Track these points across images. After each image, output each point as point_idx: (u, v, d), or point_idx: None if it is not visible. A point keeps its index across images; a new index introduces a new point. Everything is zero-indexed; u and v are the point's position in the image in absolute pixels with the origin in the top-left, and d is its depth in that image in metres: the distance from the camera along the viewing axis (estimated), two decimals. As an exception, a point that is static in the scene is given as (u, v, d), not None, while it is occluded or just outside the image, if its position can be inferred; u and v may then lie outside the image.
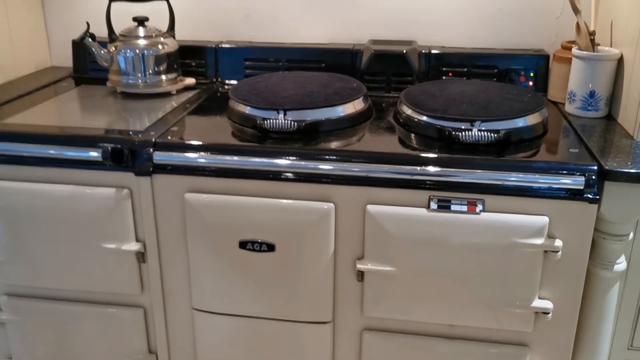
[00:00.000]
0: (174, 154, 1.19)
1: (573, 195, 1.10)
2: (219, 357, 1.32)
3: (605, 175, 1.09)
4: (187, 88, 1.58)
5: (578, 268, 1.15)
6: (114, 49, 1.49)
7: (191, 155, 1.19)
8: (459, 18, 1.62)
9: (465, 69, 1.55)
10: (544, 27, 1.59)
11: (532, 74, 1.52)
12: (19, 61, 1.70)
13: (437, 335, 1.24)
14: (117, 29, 1.53)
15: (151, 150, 1.20)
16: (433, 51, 1.56)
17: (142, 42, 1.50)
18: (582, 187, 1.08)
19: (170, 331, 1.34)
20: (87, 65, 1.68)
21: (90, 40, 1.45)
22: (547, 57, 1.52)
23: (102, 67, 1.53)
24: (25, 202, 1.27)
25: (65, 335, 1.37)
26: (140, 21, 1.52)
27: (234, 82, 1.61)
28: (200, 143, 1.20)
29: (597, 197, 1.10)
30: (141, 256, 1.28)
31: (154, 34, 1.52)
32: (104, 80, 1.57)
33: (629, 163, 1.10)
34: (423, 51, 1.56)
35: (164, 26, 1.57)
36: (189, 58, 1.63)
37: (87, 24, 1.45)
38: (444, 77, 1.55)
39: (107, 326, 1.35)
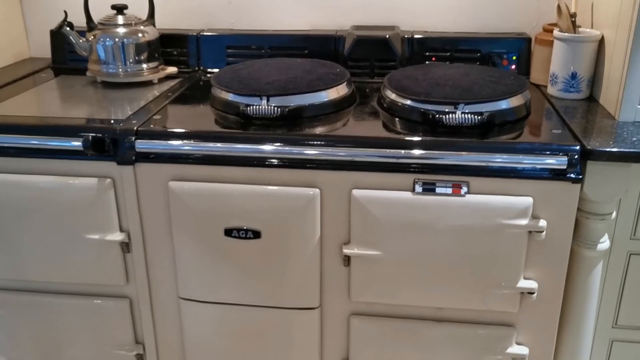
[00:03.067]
0: (157, 142, 1.18)
1: (556, 175, 1.11)
2: (206, 346, 1.32)
3: (587, 155, 1.10)
4: (169, 77, 1.56)
5: (562, 248, 1.16)
6: (92, 37, 1.47)
7: (174, 142, 1.18)
8: (441, 3, 1.62)
9: (448, 54, 1.55)
10: (525, 10, 1.60)
11: (514, 57, 1.53)
12: (-3, 52, 1.67)
13: (425, 319, 1.25)
14: (96, 17, 1.50)
15: (133, 138, 1.19)
16: (416, 36, 1.56)
17: (121, 31, 1.48)
18: (565, 167, 1.09)
19: (157, 321, 1.34)
20: (66, 56, 1.66)
21: (68, 29, 1.43)
22: (529, 40, 1.53)
23: (81, 57, 1.51)
24: (6, 194, 1.25)
25: (51, 328, 1.36)
26: (119, 9, 1.50)
27: (216, 70, 1.59)
28: (183, 130, 1.19)
29: (580, 176, 1.11)
30: (126, 246, 1.27)
31: (133, 22, 1.50)
32: (83, 70, 1.55)
33: (611, 142, 1.11)
34: (406, 36, 1.56)
35: (143, 14, 1.55)
36: (170, 47, 1.62)
37: (65, 12, 1.43)
38: (427, 62, 1.55)
39: (93, 318, 1.34)
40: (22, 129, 1.23)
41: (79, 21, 1.50)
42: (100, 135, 1.19)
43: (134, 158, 1.20)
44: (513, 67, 1.54)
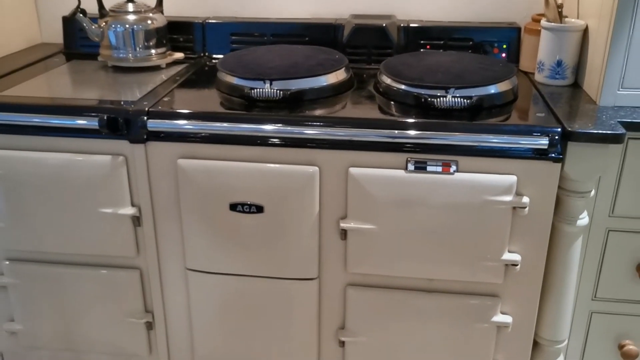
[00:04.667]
0: (167, 121, 1.26)
1: (539, 155, 1.19)
2: (211, 314, 1.40)
3: (568, 136, 1.18)
4: (176, 62, 1.63)
5: (544, 223, 1.24)
6: (104, 24, 1.55)
7: (183, 122, 1.26)
8: (436, -7, 1.70)
9: (442, 42, 1.62)
10: (516, 1, 1.67)
11: (504, 46, 1.60)
12: (9, 38, 1.74)
13: (417, 289, 1.33)
14: (107, 5, 1.58)
15: (145, 118, 1.26)
16: (412, 25, 1.63)
17: (131, 17, 1.55)
18: (546, 147, 1.17)
19: (166, 291, 1.42)
20: (77, 41, 1.73)
21: (81, 15, 1.50)
22: (518, 29, 1.60)
23: (92, 42, 1.58)
24: (25, 170, 1.33)
25: (65, 297, 1.44)
26: (130, -3, 1.57)
27: (220, 56, 1.66)
28: (191, 111, 1.27)
29: (561, 156, 1.19)
30: (136, 220, 1.35)
31: (143, 10, 1.57)
32: (94, 55, 1.63)
33: (590, 125, 1.19)
34: (402, 25, 1.63)
35: (152, 2, 1.62)
36: (177, 33, 1.68)
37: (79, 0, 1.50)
38: (421, 50, 1.62)
39: (105, 288, 1.42)
40: (41, 109, 1.30)
41: (90, 8, 1.56)
42: (114, 115, 1.26)
43: (145, 137, 1.28)
44: (504, 55, 1.61)
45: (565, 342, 1.39)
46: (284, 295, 1.36)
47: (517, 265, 1.26)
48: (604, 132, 1.16)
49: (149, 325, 1.45)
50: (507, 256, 1.26)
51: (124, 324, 1.45)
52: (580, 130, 1.17)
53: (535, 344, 1.38)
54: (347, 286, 1.35)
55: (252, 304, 1.38)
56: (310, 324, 1.38)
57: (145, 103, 1.31)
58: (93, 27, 1.53)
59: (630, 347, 1.40)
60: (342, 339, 1.38)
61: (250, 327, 1.40)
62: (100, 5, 1.56)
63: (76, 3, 1.51)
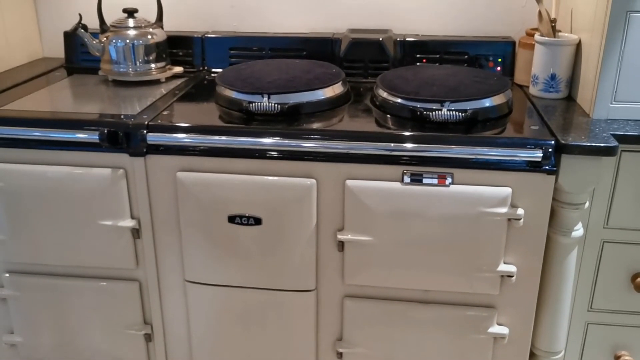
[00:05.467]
0: (167, 135, 1.28)
1: (533, 167, 1.21)
2: (210, 325, 1.41)
3: (561, 149, 1.19)
4: (176, 76, 1.66)
5: (538, 234, 1.26)
6: (105, 39, 1.57)
7: (182, 136, 1.28)
8: (432, 8, 1.72)
9: (437, 56, 1.65)
10: (511, 15, 1.70)
11: (499, 60, 1.63)
12: (12, 52, 1.76)
13: (413, 300, 1.34)
14: (108, 20, 1.60)
15: (145, 132, 1.28)
16: (408, 39, 1.66)
17: (132, 33, 1.58)
18: (540, 160, 1.19)
19: (164, 302, 1.43)
20: (78, 56, 1.76)
21: (82, 31, 1.52)
22: (513, 43, 1.63)
23: (92, 57, 1.61)
24: (26, 184, 1.34)
25: (65, 309, 1.45)
26: (130, 12, 1.60)
27: (219, 70, 1.69)
28: (190, 125, 1.29)
29: (555, 168, 1.21)
30: (136, 232, 1.36)
31: (143, 25, 1.60)
32: (94, 69, 1.65)
33: (584, 137, 1.21)
34: (398, 39, 1.65)
35: (152, 17, 1.65)
36: (177, 48, 1.71)
37: (80, 15, 1.53)
38: (417, 64, 1.65)
39: (105, 299, 1.43)
40: (42, 122, 1.32)
41: (91, 23, 1.59)
42: (114, 129, 1.28)
43: (144, 150, 1.29)
44: (499, 68, 1.63)
45: (562, 353, 1.39)
46: (282, 306, 1.37)
47: (512, 276, 1.27)
48: (597, 144, 1.18)
49: (148, 337, 1.46)
50: (503, 267, 1.27)
51: (123, 336, 1.46)
52: (573, 143, 1.19)
53: (532, 355, 1.38)
54: (345, 297, 1.36)
55: (251, 315, 1.39)
56: (308, 336, 1.39)
57: (145, 117, 1.33)
58: (94, 42, 1.55)
59: (626, 358, 1.41)
60: (340, 350, 1.39)
61: (249, 338, 1.41)
62: (101, 21, 1.59)
63: (77, 18, 1.53)
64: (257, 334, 1.40)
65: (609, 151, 1.18)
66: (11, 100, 1.46)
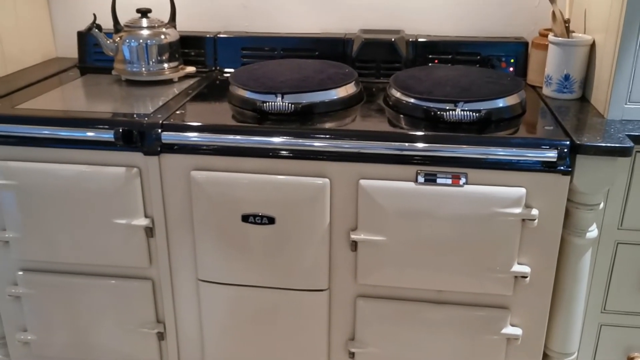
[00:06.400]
0: (181, 134, 1.28)
1: (547, 167, 1.20)
2: (222, 325, 1.42)
3: (576, 149, 1.19)
4: (188, 76, 1.66)
5: (553, 235, 1.25)
6: (119, 39, 1.58)
7: (196, 135, 1.28)
8: (444, 8, 1.72)
9: (450, 56, 1.64)
10: (523, 16, 1.69)
11: (512, 60, 1.62)
12: (26, 52, 1.78)
13: (426, 301, 1.34)
14: (122, 20, 1.61)
15: (159, 131, 1.29)
16: (420, 39, 1.65)
17: (145, 33, 1.58)
18: (555, 160, 1.18)
19: (177, 301, 1.43)
20: (91, 56, 1.76)
21: (97, 30, 1.53)
22: (526, 44, 1.62)
23: (105, 56, 1.62)
24: (41, 182, 1.35)
25: (78, 307, 1.46)
26: (144, 13, 1.60)
27: (231, 70, 1.69)
28: (204, 124, 1.29)
29: (570, 169, 1.20)
30: (149, 231, 1.37)
31: (156, 25, 1.61)
32: (107, 69, 1.66)
33: (599, 138, 1.20)
34: (410, 39, 1.65)
35: (165, 17, 1.66)
36: (189, 47, 1.72)
37: (94, 15, 1.54)
38: (430, 64, 1.65)
39: (118, 298, 1.43)
40: (58, 121, 1.33)
41: (104, 23, 1.60)
42: (129, 128, 1.29)
43: (159, 149, 1.30)
44: (511, 69, 1.63)
45: (575, 355, 1.39)
46: (295, 306, 1.37)
47: (526, 277, 1.27)
48: (613, 145, 1.18)
49: (161, 336, 1.46)
50: (517, 268, 1.27)
51: (136, 334, 1.46)
52: (589, 144, 1.18)
53: (545, 356, 1.38)
54: (357, 297, 1.36)
55: (263, 315, 1.39)
56: (320, 335, 1.39)
57: (159, 116, 1.33)
58: (108, 42, 1.56)
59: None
60: (352, 350, 1.39)
61: (261, 338, 1.41)
62: (115, 21, 1.60)
63: (90, 19, 1.54)
64: (269, 333, 1.40)
65: (624, 152, 1.18)
66: (26, 100, 1.47)
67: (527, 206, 1.23)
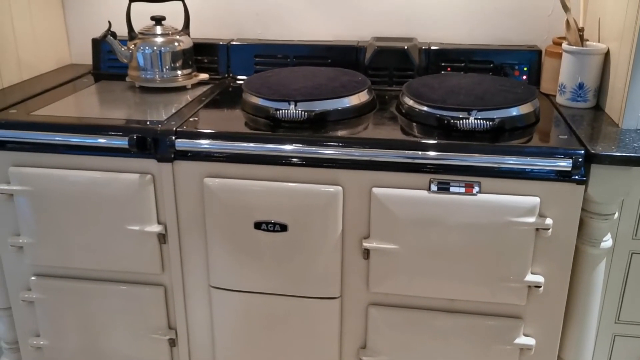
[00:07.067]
0: (194, 141, 1.29)
1: (562, 177, 1.20)
2: (234, 332, 1.42)
3: (591, 158, 1.18)
4: (201, 83, 1.67)
5: (567, 245, 1.24)
6: (133, 46, 1.59)
7: (210, 142, 1.29)
8: (457, 16, 1.72)
9: (463, 64, 1.64)
10: (536, 24, 1.69)
11: (525, 68, 1.62)
12: (41, 58, 1.79)
13: (438, 309, 1.33)
14: (136, 27, 1.62)
15: (173, 138, 1.29)
16: (433, 47, 1.65)
17: (159, 40, 1.59)
18: (569, 169, 1.18)
19: (189, 308, 1.44)
20: (105, 62, 1.78)
21: (111, 38, 1.55)
22: (539, 52, 1.62)
23: (119, 63, 1.63)
24: (54, 188, 1.36)
25: (91, 313, 1.47)
26: (158, 20, 1.62)
27: (244, 77, 1.70)
28: (217, 131, 1.30)
29: (584, 178, 1.19)
30: (162, 237, 1.37)
31: (170, 32, 1.62)
32: (121, 76, 1.67)
33: (614, 147, 1.20)
34: (423, 47, 1.65)
35: (179, 25, 1.67)
36: (203, 55, 1.73)
37: (109, 22, 1.55)
38: (443, 72, 1.65)
39: (130, 303, 1.44)
40: (72, 128, 1.34)
41: (119, 30, 1.61)
42: (143, 134, 1.29)
43: (172, 156, 1.31)
44: (524, 77, 1.63)
45: (589, 366, 1.38)
46: (306, 313, 1.37)
47: (540, 287, 1.26)
48: (628, 154, 1.17)
49: (172, 342, 1.47)
50: (530, 277, 1.26)
51: (148, 340, 1.46)
52: (603, 153, 1.17)
53: (558, 366, 1.37)
54: (369, 305, 1.35)
55: (275, 322, 1.39)
56: (332, 343, 1.39)
57: (173, 123, 1.34)
58: (122, 49, 1.58)
59: (655, 371, 1.39)
60: (364, 358, 1.39)
61: (272, 345, 1.41)
62: (130, 28, 1.61)
63: (104, 26, 1.56)
64: (280, 340, 1.40)
65: (639, 161, 1.17)
66: (41, 106, 1.48)
67: (541, 215, 1.22)
